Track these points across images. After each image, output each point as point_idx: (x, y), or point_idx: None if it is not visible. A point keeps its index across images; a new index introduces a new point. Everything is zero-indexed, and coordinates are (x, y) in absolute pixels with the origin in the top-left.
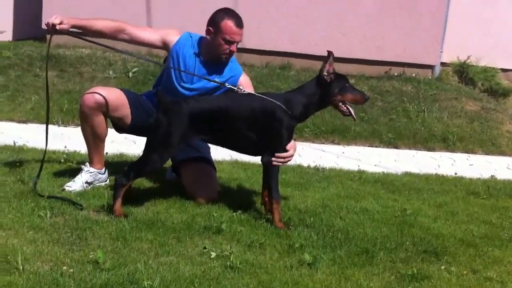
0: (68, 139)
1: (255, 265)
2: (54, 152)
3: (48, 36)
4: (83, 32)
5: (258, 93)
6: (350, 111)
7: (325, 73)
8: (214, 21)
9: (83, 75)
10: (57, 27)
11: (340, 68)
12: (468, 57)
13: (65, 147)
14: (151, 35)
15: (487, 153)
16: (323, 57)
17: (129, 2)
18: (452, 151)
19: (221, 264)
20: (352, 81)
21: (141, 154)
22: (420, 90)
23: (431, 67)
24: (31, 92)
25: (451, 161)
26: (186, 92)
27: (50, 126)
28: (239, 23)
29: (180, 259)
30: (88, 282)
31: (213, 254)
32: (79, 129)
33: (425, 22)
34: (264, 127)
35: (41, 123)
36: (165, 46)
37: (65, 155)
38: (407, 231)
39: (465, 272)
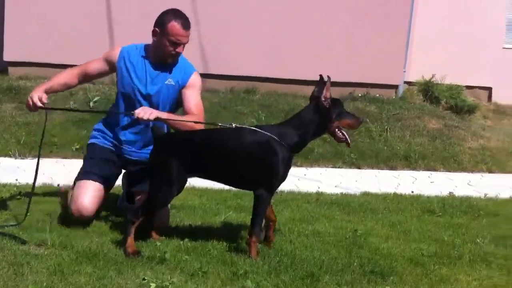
0: (24, 171)
1: None
2: (4, 185)
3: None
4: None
5: (251, 127)
6: (346, 137)
7: (323, 99)
8: (160, 22)
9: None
10: (38, 104)
11: (307, 90)
12: (433, 76)
13: (16, 180)
14: (96, 63)
15: (448, 170)
16: (289, 80)
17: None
18: (414, 169)
19: None
20: None
21: None
22: (384, 110)
23: (394, 87)
24: None
25: (412, 179)
26: (144, 102)
27: (6, 159)
28: (185, 24)
29: None
30: None
31: (153, 286)
32: (35, 161)
33: (387, 43)
34: (259, 162)
35: None
36: (111, 66)
37: (15, 188)
38: (356, 252)
39: None
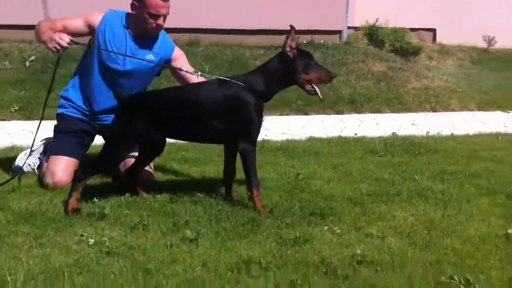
0: None
1: (133, 248)
2: None
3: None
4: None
5: (217, 77)
6: (315, 90)
7: (287, 49)
8: None
9: None
10: (65, 44)
11: (251, 40)
12: (377, 20)
13: None
14: (76, 22)
15: (393, 111)
16: (232, 31)
17: None
18: (360, 112)
19: (96, 251)
20: (261, 51)
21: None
22: (328, 56)
23: (338, 32)
24: None
25: (358, 122)
26: (123, 78)
27: None
28: None
29: (55, 250)
30: None
31: (91, 241)
32: None
33: None
34: (231, 113)
35: None
36: (90, 29)
37: None
38: (297, 195)
39: (347, 230)
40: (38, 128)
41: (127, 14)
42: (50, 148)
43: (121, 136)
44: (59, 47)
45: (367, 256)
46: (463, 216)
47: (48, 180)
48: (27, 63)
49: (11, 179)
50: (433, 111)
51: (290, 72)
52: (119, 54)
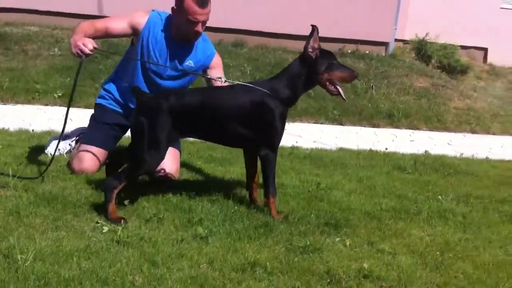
0: (4, 117)
1: (144, 239)
2: None
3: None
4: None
5: (242, 83)
6: (338, 91)
7: (309, 50)
8: (178, 0)
9: (28, 53)
10: (87, 51)
11: (295, 45)
12: (426, 34)
13: None
14: (119, 24)
15: (431, 129)
16: (276, 34)
17: None
18: (397, 127)
19: (108, 238)
20: None
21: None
22: (372, 67)
23: (385, 44)
24: None
25: (392, 137)
26: (160, 81)
27: None
28: (202, 2)
29: (69, 234)
30: None
31: (105, 229)
32: (17, 107)
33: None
34: (255, 119)
35: None
36: (134, 31)
37: None
38: (315, 204)
39: (359, 244)
40: (66, 116)
41: (170, 17)
42: (84, 136)
43: (150, 139)
44: (81, 54)
45: (374, 271)
46: (481, 242)
47: (75, 165)
48: None
49: (47, 166)
50: (472, 133)
51: (313, 73)
52: (160, 65)
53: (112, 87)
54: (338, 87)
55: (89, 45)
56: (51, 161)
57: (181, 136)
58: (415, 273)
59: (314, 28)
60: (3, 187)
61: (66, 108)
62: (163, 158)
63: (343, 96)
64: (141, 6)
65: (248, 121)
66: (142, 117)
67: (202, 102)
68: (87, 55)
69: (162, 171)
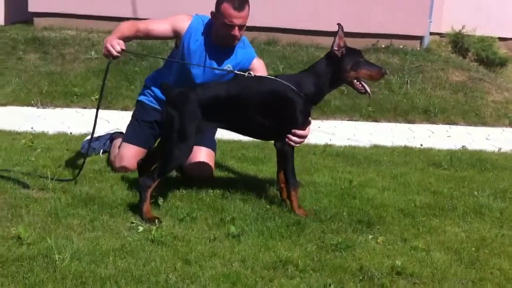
0: (43, 120)
1: (177, 238)
2: (20, 133)
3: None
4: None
5: (268, 76)
6: (365, 88)
7: (335, 48)
8: (216, 4)
9: (65, 56)
10: (115, 53)
11: (327, 41)
12: (463, 27)
13: (32, 127)
14: (161, 26)
15: (469, 124)
16: (308, 31)
17: None
18: (433, 123)
19: (143, 238)
20: None
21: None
22: (406, 62)
23: (420, 38)
24: (13, 75)
25: (429, 133)
26: (198, 82)
27: (29, 108)
28: (238, 5)
29: (105, 234)
30: (4, 256)
31: (140, 229)
32: (56, 110)
33: None
34: (277, 111)
35: (21, 105)
36: (176, 34)
37: (31, 136)
38: (347, 202)
39: (393, 241)
40: (96, 116)
41: (210, 22)
42: (124, 134)
43: (179, 132)
44: (109, 55)
45: (408, 268)
46: None
47: (116, 163)
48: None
49: (81, 168)
50: (511, 127)
51: (340, 71)
52: (200, 66)
53: (152, 83)
54: (365, 84)
55: (117, 46)
56: (84, 161)
57: (209, 124)
58: (450, 270)
59: (339, 26)
60: (42, 190)
61: (103, 111)
62: (191, 151)
63: (370, 93)
64: (174, 9)
65: (271, 113)
66: (172, 110)
67: (228, 92)
68: (114, 57)
69: (197, 172)
